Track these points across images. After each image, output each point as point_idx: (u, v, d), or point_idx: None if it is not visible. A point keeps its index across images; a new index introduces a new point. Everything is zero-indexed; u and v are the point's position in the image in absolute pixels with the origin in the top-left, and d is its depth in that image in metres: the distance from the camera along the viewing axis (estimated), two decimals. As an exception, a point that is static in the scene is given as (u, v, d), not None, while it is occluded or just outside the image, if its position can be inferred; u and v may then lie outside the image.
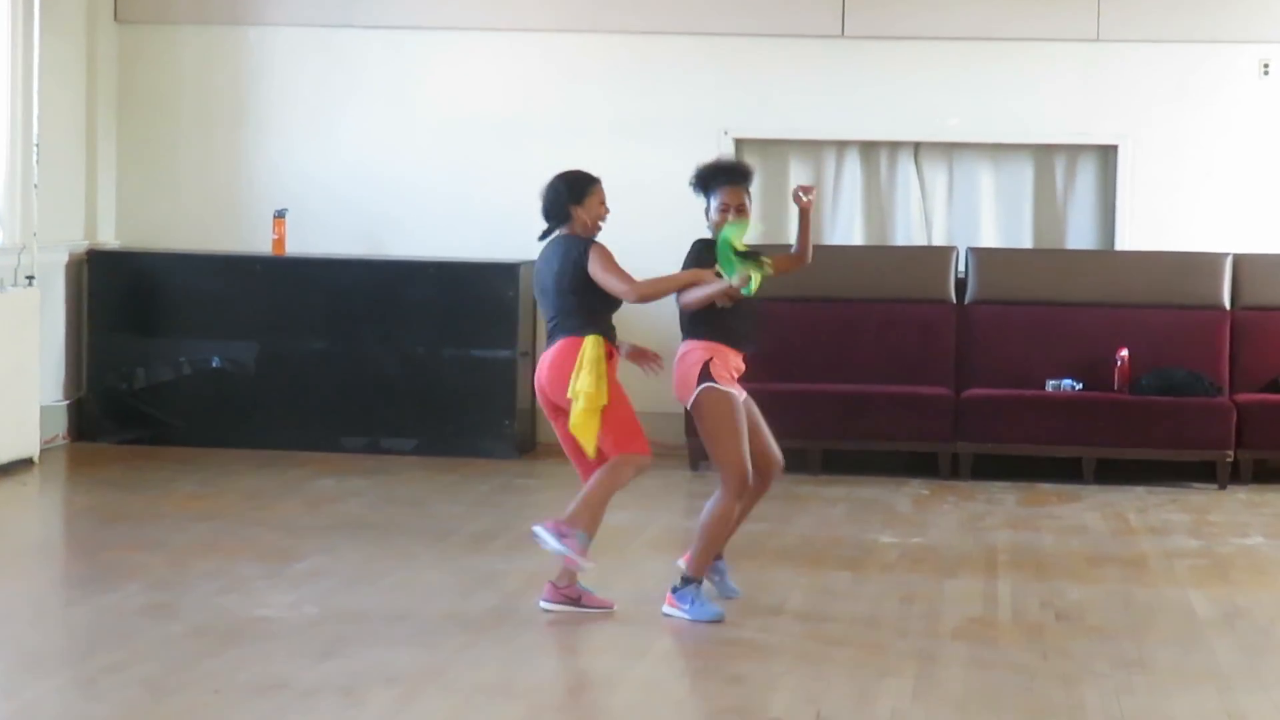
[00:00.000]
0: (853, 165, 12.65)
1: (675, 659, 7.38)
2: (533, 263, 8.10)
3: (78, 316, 12.44)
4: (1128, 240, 12.39)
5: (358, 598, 8.10)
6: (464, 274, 12.20)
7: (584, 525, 7.69)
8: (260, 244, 12.59)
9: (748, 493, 7.93)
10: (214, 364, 12.24)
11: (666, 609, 7.78)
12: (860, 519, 10.25)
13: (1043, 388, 11.78)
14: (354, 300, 12.19)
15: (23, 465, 11.25)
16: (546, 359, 7.83)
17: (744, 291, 7.57)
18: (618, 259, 7.76)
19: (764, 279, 7.58)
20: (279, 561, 8.76)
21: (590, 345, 7.69)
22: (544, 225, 7.89)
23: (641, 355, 7.94)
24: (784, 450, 8.13)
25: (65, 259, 12.33)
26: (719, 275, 7.61)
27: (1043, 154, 12.62)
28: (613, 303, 7.78)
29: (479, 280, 12.15)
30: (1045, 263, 12.30)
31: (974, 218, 12.69)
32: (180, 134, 12.86)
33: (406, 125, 12.73)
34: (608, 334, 7.77)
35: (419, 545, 9.25)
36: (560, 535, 7.66)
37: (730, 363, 7.81)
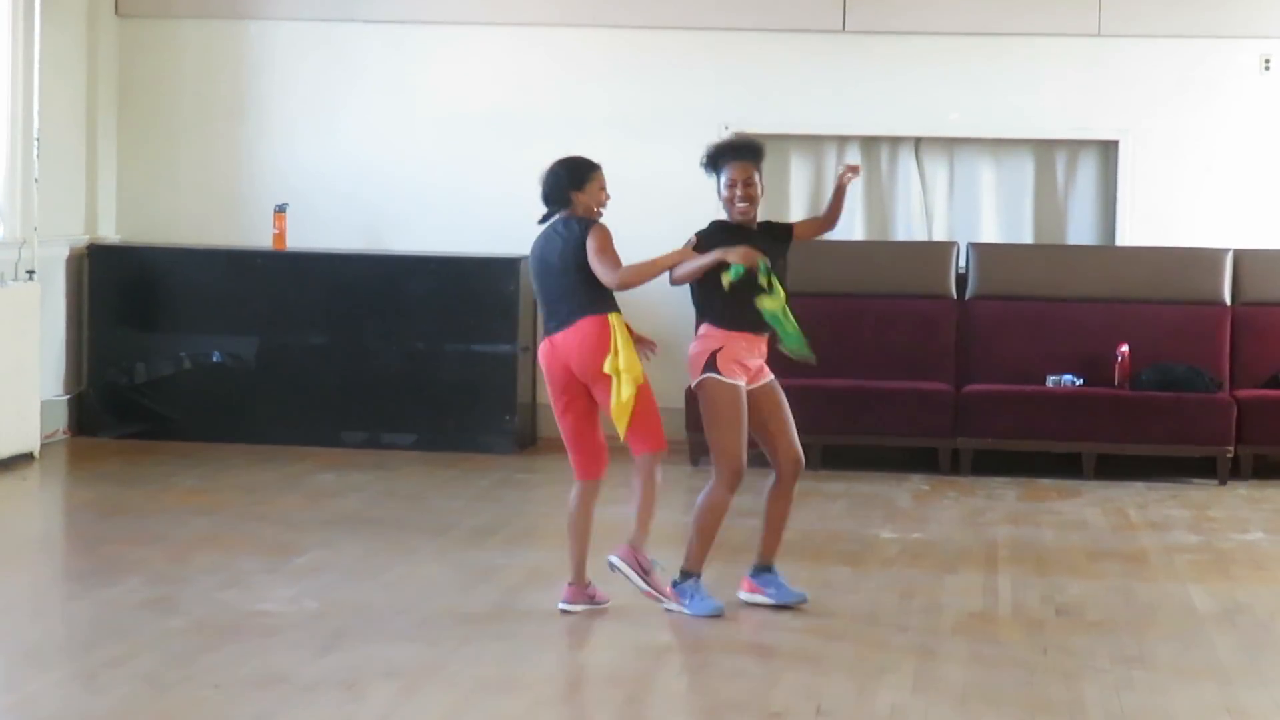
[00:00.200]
0: (853, 160, 12.63)
1: (675, 654, 7.37)
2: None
3: (78, 311, 12.44)
4: (1128, 235, 12.38)
5: (358, 592, 8.10)
6: (464, 269, 12.20)
7: (643, 535, 7.74)
8: (261, 238, 12.59)
9: (773, 495, 7.90)
10: (214, 359, 12.24)
11: (668, 605, 7.77)
12: (860, 514, 10.25)
13: (1043, 383, 11.78)
14: (354, 295, 12.19)
15: (23, 460, 11.25)
16: (572, 339, 7.63)
17: (728, 276, 7.56)
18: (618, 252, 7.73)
19: (743, 274, 7.58)
20: (279, 556, 8.77)
21: (618, 322, 7.64)
22: (543, 211, 7.84)
23: (638, 341, 7.90)
24: (785, 445, 8.10)
25: (66, 254, 12.33)
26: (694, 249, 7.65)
27: (1043, 149, 12.62)
28: None
29: (479, 275, 12.15)
30: (1046, 258, 12.29)
31: (975, 213, 12.69)
32: (181, 129, 12.86)
33: (407, 120, 12.72)
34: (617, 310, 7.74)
35: (419, 540, 9.25)
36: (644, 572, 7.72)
37: (741, 352, 7.77)
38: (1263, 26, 12.27)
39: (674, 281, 7.78)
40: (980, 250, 12.23)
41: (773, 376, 7.92)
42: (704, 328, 7.83)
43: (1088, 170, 12.61)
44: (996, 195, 12.69)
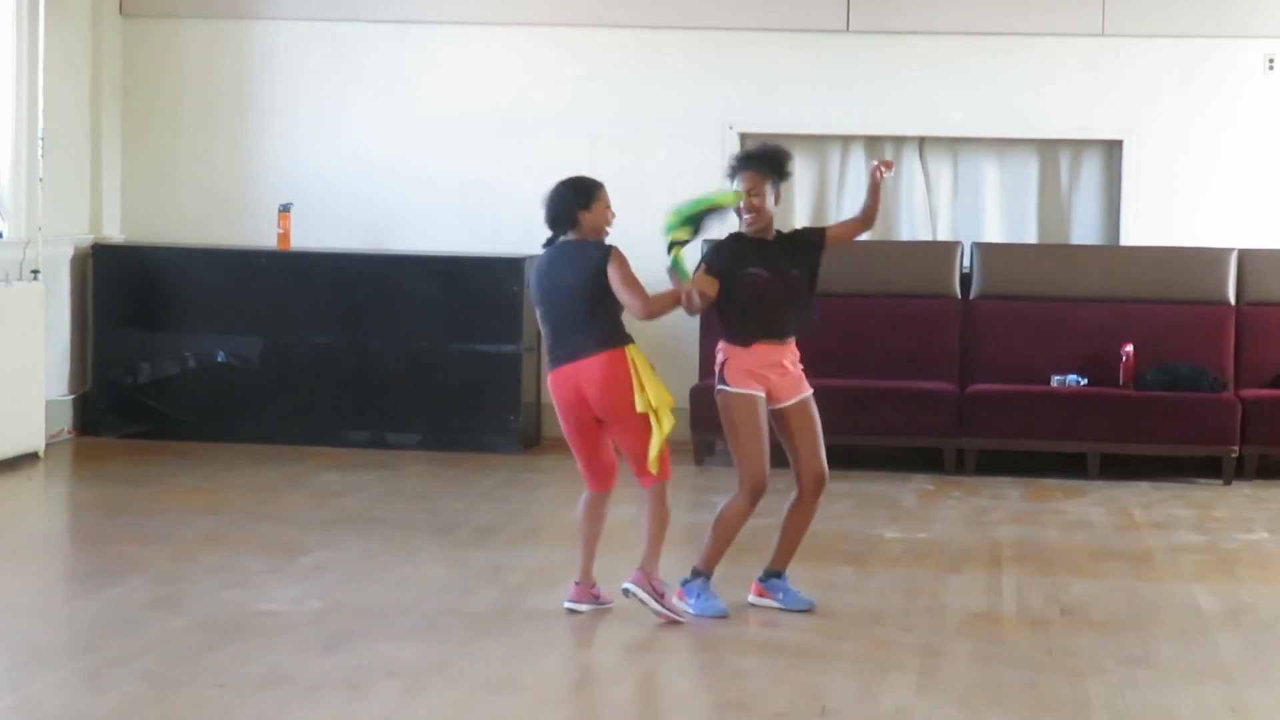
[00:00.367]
0: (857, 160, 12.64)
1: (679, 653, 7.37)
2: (536, 257, 7.85)
3: (82, 311, 12.45)
4: (1132, 235, 12.38)
5: (362, 592, 8.10)
6: (468, 268, 12.20)
7: (655, 560, 7.69)
8: (265, 238, 12.59)
9: (793, 508, 7.87)
10: (218, 358, 12.25)
11: (674, 602, 7.76)
12: (865, 514, 10.24)
13: (1047, 383, 11.77)
14: (358, 295, 12.19)
15: (28, 459, 11.26)
16: (594, 375, 7.51)
17: (670, 264, 7.57)
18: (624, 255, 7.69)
19: (682, 249, 7.58)
20: (283, 556, 8.77)
21: (636, 354, 7.57)
22: (548, 228, 7.73)
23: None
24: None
25: (70, 253, 12.34)
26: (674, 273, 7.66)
27: (1047, 149, 12.61)
28: None
29: (483, 275, 12.14)
30: (1050, 258, 12.29)
31: (979, 213, 12.69)
32: (185, 128, 12.86)
33: (411, 120, 12.73)
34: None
35: (423, 540, 9.25)
36: (658, 595, 7.65)
37: (753, 363, 7.75)
38: (1267, 26, 12.26)
39: (688, 310, 7.78)
40: (984, 250, 12.23)
41: (809, 392, 7.86)
42: (719, 343, 7.86)
43: (1092, 170, 12.61)
44: (1001, 195, 12.69)
